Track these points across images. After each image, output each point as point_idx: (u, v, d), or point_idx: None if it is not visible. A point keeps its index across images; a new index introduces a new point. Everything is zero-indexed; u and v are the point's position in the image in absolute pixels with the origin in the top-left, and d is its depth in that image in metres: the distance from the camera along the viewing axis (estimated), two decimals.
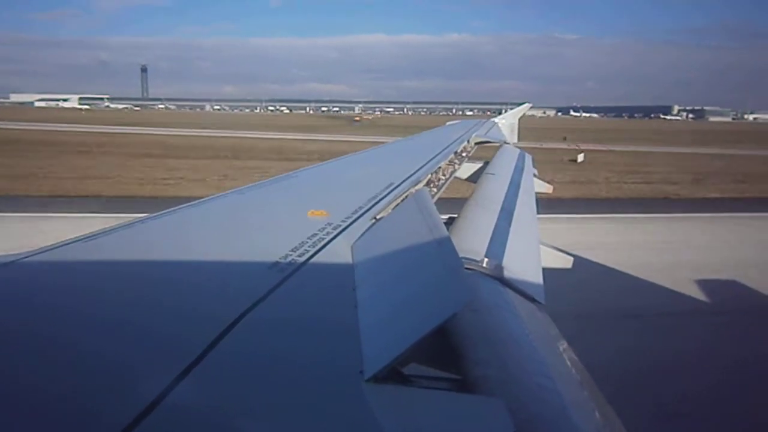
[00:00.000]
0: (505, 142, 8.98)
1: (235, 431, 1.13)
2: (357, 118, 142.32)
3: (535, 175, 6.66)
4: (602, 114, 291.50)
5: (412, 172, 4.05)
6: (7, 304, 1.66)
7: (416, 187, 3.56)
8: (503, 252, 2.88)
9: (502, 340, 1.73)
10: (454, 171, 5.46)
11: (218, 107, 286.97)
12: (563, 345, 1.96)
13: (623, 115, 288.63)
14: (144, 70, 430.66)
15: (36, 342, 1.41)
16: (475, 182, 5.40)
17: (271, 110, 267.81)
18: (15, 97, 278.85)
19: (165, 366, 1.28)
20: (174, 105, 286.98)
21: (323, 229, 2.48)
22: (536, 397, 1.40)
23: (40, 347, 1.39)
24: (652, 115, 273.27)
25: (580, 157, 43.52)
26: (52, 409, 1.14)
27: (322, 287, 1.92)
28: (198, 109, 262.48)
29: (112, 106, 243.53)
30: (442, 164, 5.02)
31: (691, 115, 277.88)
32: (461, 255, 2.08)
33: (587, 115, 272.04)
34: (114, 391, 1.20)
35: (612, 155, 49.97)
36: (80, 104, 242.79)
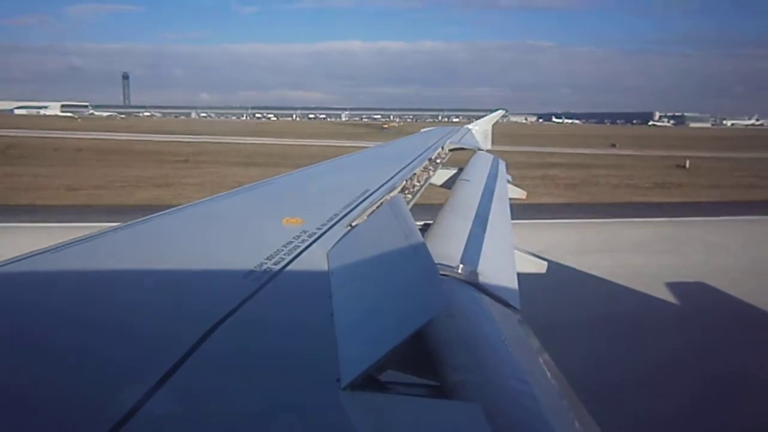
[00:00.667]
0: (479, 149, 9.06)
1: None
2: (385, 125, 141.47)
3: (508, 181, 6.74)
4: (584, 120, 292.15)
5: (388, 178, 4.06)
6: None
7: (391, 194, 3.57)
8: (478, 258, 2.90)
9: (478, 345, 1.74)
10: (429, 177, 5.49)
11: (204, 114, 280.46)
12: (539, 349, 1.97)
13: (605, 121, 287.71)
14: (126, 77, 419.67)
15: (11, 348, 1.39)
16: (449, 188, 5.43)
17: (258, 117, 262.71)
18: None
19: (140, 376, 1.26)
20: (159, 112, 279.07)
21: (298, 236, 2.47)
22: (513, 401, 1.41)
23: (15, 353, 1.36)
24: (634, 122, 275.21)
25: (688, 163, 45.43)
26: (29, 413, 1.12)
27: (298, 295, 1.91)
28: (183, 117, 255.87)
29: (96, 113, 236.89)
30: (417, 171, 5.04)
31: (671, 122, 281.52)
32: (436, 261, 2.08)
33: (569, 121, 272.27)
34: (87, 401, 1.18)
35: (703, 161, 50.56)
36: (62, 112, 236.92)
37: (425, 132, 11.78)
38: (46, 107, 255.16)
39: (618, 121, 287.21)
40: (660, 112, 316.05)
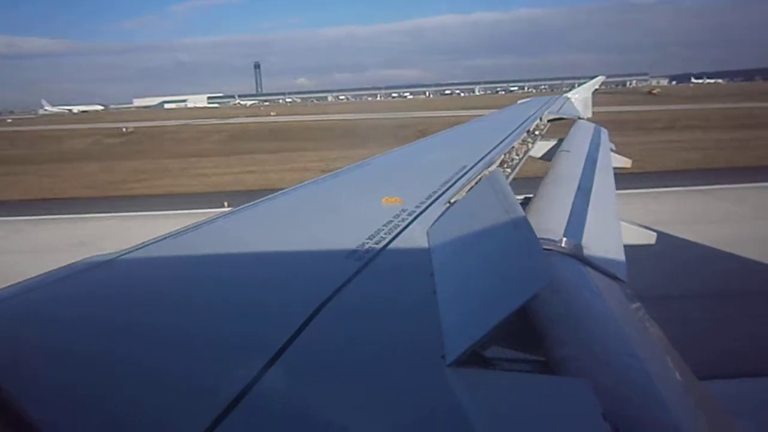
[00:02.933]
0: (579, 118, 8.69)
1: (321, 417, 1.16)
2: (653, 91, 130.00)
3: (612, 150, 6.43)
4: (728, 79, 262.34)
5: (485, 153, 4.01)
6: (101, 299, 1.77)
7: (489, 169, 3.53)
8: (582, 230, 2.81)
9: (584, 319, 1.70)
10: (528, 150, 5.37)
11: (342, 97, 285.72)
12: (648, 322, 1.90)
13: (755, 78, 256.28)
14: (257, 66, 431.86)
15: (130, 335, 1.49)
16: (549, 161, 5.28)
17: (393, 97, 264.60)
18: (138, 102, 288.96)
19: (253, 355, 1.34)
20: (298, 98, 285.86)
21: (398, 215, 2.50)
22: (622, 376, 1.38)
23: (135, 340, 1.47)
24: None
25: None
26: (147, 397, 1.21)
27: (400, 274, 1.94)
28: (322, 101, 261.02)
29: (242, 102, 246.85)
30: (515, 144, 4.94)
31: None
32: (539, 235, 2.05)
33: (711, 81, 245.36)
34: (203, 381, 1.26)
35: None
36: (209, 103, 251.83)
37: (522, 103, 11.44)
38: (185, 101, 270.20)
39: None
40: None
